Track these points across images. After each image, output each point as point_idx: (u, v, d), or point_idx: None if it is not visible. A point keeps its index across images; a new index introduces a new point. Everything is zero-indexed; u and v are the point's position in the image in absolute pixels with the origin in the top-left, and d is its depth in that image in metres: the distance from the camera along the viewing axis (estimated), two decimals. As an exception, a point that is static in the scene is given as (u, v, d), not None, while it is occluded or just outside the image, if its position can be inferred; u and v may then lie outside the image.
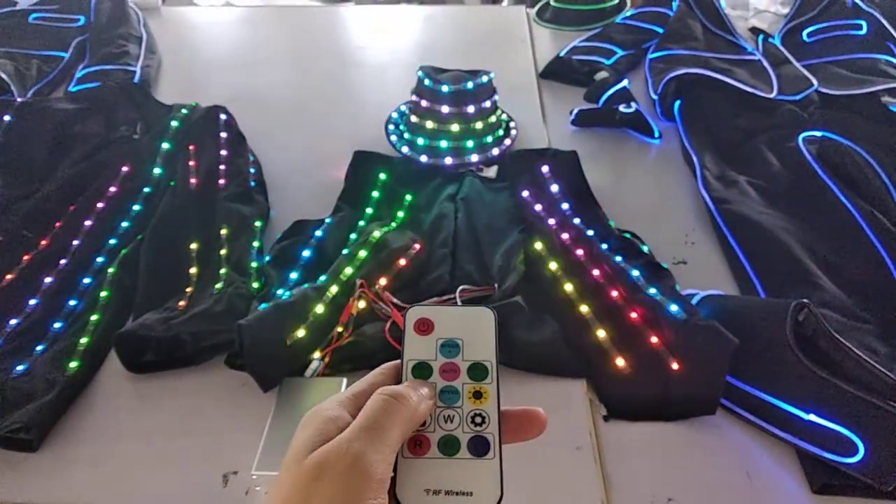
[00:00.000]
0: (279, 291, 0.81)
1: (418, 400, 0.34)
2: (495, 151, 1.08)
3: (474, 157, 1.06)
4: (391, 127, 1.15)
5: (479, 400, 0.36)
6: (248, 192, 0.99)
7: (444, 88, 1.05)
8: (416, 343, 0.38)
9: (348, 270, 0.82)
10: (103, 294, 0.83)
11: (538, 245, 0.88)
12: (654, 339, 0.75)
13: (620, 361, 0.75)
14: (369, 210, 0.98)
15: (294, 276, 0.85)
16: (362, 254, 0.84)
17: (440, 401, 0.36)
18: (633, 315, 0.78)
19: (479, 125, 1.07)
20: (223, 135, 1.06)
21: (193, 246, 0.90)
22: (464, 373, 0.37)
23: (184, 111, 1.11)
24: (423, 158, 1.06)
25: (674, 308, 0.76)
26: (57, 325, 0.80)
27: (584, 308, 0.80)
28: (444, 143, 1.06)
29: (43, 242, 0.91)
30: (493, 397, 0.36)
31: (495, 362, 0.37)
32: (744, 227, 0.92)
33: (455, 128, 1.06)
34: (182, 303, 0.81)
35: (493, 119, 1.10)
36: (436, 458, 0.34)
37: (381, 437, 0.31)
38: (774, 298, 0.81)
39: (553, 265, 0.85)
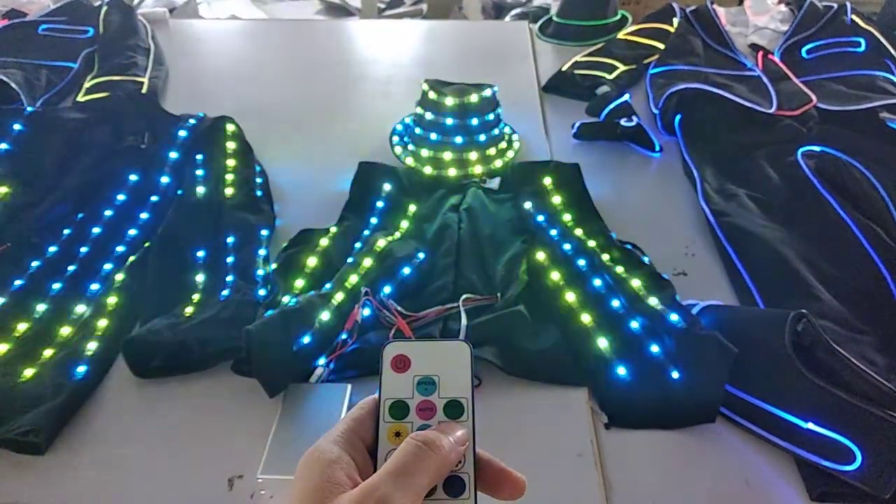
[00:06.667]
0: (285, 299, 0.82)
1: (450, 448, 0.34)
2: (498, 163, 1.10)
3: (478, 169, 1.08)
4: (395, 139, 1.17)
5: None
6: (254, 202, 1.00)
7: (449, 101, 1.06)
8: (393, 381, 0.38)
9: (353, 278, 0.83)
10: (111, 300, 0.84)
11: (540, 255, 0.89)
12: (654, 349, 0.76)
13: (621, 370, 0.76)
14: (374, 220, 0.99)
15: (300, 283, 0.86)
16: (367, 262, 0.85)
17: None
18: (634, 324, 0.79)
19: (482, 138, 1.08)
20: (230, 145, 1.08)
21: (200, 253, 0.91)
22: (440, 411, 0.37)
23: (191, 121, 1.13)
24: (427, 170, 1.08)
25: (674, 318, 0.77)
26: (65, 330, 0.81)
27: (585, 317, 0.81)
28: (447, 155, 1.08)
29: (51, 249, 0.92)
30: (469, 436, 0.36)
31: (471, 398, 0.37)
32: (743, 240, 0.93)
33: (459, 140, 1.07)
34: (189, 309, 0.82)
35: (496, 132, 1.11)
36: None
37: (408, 482, 0.32)
38: (773, 309, 0.82)
39: (555, 275, 0.86)
